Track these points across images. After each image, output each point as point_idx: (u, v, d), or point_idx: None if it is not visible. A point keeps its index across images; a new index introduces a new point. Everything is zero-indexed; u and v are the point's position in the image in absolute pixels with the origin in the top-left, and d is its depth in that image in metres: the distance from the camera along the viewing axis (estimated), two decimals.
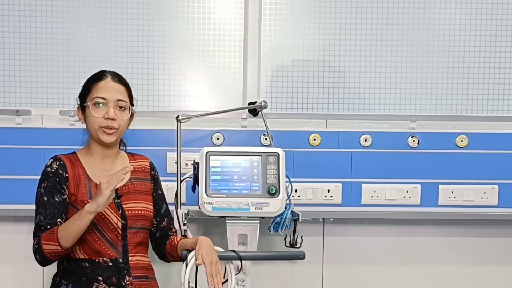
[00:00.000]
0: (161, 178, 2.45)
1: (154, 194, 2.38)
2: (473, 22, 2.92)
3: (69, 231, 2.10)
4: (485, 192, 2.85)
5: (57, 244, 2.11)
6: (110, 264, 2.22)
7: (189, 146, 2.72)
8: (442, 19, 2.92)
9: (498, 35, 2.92)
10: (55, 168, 2.23)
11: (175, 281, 2.80)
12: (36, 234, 2.18)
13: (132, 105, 2.31)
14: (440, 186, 2.84)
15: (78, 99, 2.32)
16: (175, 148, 2.56)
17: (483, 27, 2.92)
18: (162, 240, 2.40)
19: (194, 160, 2.52)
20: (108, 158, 2.31)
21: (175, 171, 2.54)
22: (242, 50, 2.89)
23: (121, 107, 2.26)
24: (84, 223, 2.09)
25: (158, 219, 2.38)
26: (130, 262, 2.24)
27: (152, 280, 2.35)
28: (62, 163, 2.25)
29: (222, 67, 2.90)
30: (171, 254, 2.36)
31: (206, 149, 2.47)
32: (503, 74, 2.94)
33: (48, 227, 2.16)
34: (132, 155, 2.41)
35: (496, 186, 2.85)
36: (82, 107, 2.29)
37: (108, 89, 2.24)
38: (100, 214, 2.17)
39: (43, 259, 2.16)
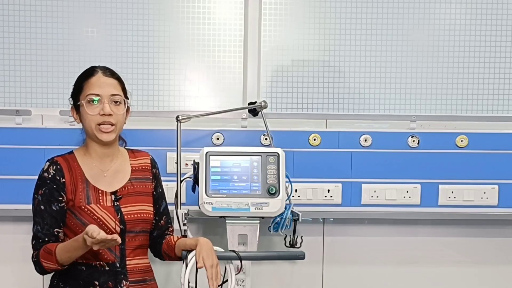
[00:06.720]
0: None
1: (154, 193, 2.32)
2: (473, 22, 2.92)
3: (67, 255, 2.09)
4: (485, 192, 2.85)
5: (56, 264, 2.11)
6: (107, 268, 2.17)
7: (189, 146, 2.72)
8: (442, 19, 2.92)
9: (498, 35, 2.92)
10: (52, 174, 2.17)
11: (175, 281, 2.79)
12: (35, 246, 2.16)
13: (127, 98, 2.23)
14: (440, 186, 2.84)
15: (70, 98, 2.25)
16: (175, 148, 2.56)
17: (483, 27, 2.92)
18: (159, 239, 2.34)
19: (194, 160, 2.52)
20: (107, 157, 2.25)
21: (175, 171, 2.54)
22: (242, 50, 2.88)
23: (116, 102, 2.18)
24: (81, 251, 2.07)
25: (156, 218, 2.32)
26: (127, 266, 2.20)
27: (150, 282, 2.29)
28: (59, 167, 2.19)
29: (222, 67, 2.90)
30: (168, 254, 2.32)
31: (206, 149, 2.48)
32: (503, 74, 2.94)
33: (46, 239, 2.14)
34: (132, 152, 2.33)
35: (496, 186, 2.85)
36: (76, 107, 2.22)
37: (100, 85, 2.17)
38: (98, 219, 2.15)
39: (43, 271, 2.17)
